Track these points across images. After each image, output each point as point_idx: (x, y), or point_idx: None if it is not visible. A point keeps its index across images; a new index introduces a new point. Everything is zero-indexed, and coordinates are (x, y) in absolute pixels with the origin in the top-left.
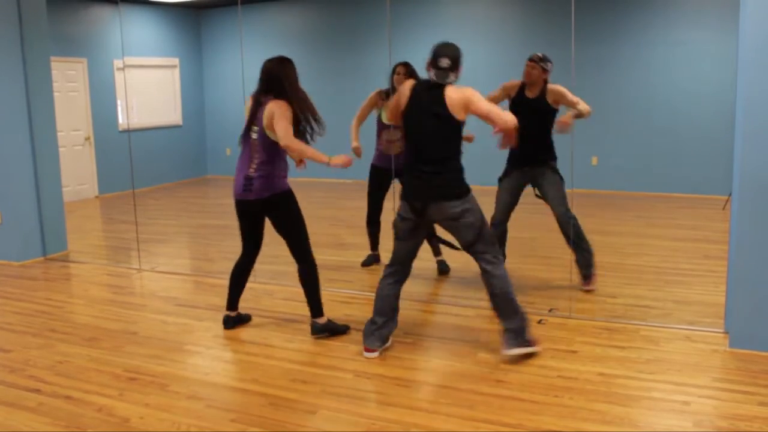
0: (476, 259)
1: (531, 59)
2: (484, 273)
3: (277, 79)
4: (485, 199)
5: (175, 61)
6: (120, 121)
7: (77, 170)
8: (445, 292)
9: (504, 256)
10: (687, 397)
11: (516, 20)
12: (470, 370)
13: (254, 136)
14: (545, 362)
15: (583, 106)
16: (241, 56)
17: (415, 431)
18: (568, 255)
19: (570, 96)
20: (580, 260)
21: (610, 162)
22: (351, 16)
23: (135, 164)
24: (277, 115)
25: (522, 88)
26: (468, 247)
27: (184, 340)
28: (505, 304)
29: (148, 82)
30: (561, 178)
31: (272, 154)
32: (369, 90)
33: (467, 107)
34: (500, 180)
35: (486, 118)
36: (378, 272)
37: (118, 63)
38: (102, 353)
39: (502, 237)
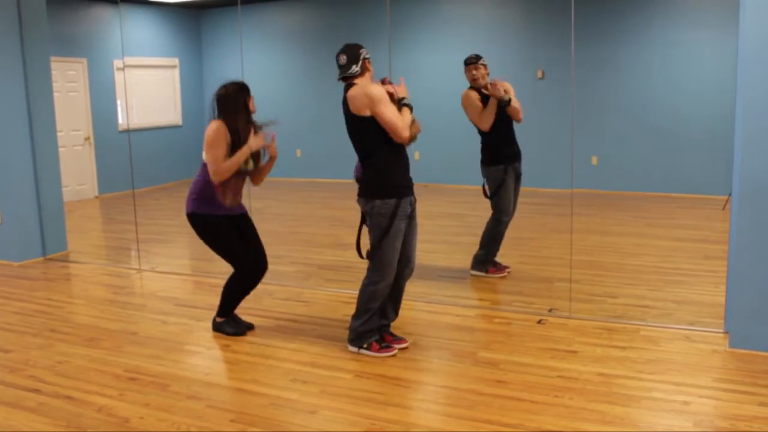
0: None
1: (468, 62)
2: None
3: (217, 104)
4: (481, 198)
5: (175, 61)
6: (120, 121)
7: (77, 170)
8: (445, 292)
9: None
10: (687, 397)
11: (516, 20)
12: (470, 370)
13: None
14: (545, 362)
15: (518, 107)
16: (241, 56)
17: (415, 431)
18: (568, 255)
19: (510, 93)
20: (479, 255)
21: (610, 162)
22: (351, 16)
23: (135, 164)
24: (205, 141)
25: (480, 93)
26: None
27: (184, 340)
28: (360, 302)
29: (148, 82)
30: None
31: (201, 174)
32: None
33: (365, 108)
34: (501, 178)
35: (389, 128)
36: None
37: (118, 63)
38: (102, 353)
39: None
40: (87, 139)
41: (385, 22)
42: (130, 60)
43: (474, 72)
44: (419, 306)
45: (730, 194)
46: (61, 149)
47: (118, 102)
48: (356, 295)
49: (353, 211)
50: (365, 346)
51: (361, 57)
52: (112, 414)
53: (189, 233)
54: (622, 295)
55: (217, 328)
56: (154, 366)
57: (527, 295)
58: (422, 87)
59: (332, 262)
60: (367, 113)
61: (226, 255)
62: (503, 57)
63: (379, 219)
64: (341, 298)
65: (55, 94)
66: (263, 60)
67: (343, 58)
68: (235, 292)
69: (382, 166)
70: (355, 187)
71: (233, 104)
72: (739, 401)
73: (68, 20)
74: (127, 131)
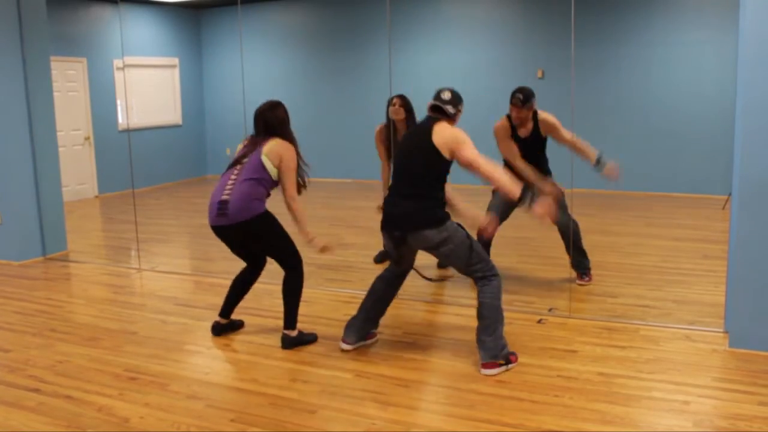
0: (474, 279)
1: (513, 103)
2: (478, 288)
3: (275, 123)
4: (480, 198)
5: (175, 60)
6: (120, 120)
7: (77, 170)
8: (445, 292)
9: None
10: (687, 397)
11: (516, 20)
12: (470, 370)
13: (244, 160)
14: (545, 362)
15: (582, 143)
16: (241, 56)
17: (415, 431)
18: (567, 255)
19: (563, 132)
20: (575, 263)
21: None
22: (351, 16)
23: (135, 164)
24: (287, 162)
25: (511, 125)
26: (462, 273)
27: (184, 339)
28: (488, 312)
29: (148, 82)
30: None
31: (257, 178)
32: (369, 90)
33: (449, 144)
34: (494, 192)
35: (470, 167)
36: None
37: (117, 63)
38: (102, 353)
39: (486, 246)
40: (87, 138)
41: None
42: (130, 60)
43: (514, 114)
44: (419, 306)
45: (730, 194)
46: (61, 149)
47: (118, 102)
48: (357, 295)
49: (353, 210)
50: (504, 362)
51: (460, 108)
52: (112, 414)
53: (189, 233)
54: (622, 294)
55: (295, 342)
56: (154, 366)
57: (527, 295)
58: (422, 87)
59: (332, 262)
60: (447, 155)
61: (290, 248)
62: (503, 57)
63: (456, 237)
64: (341, 298)
65: (55, 94)
66: (263, 60)
67: (447, 95)
68: (298, 292)
69: (439, 198)
70: (356, 187)
71: (289, 125)
72: (739, 401)
73: (68, 20)
74: (127, 131)
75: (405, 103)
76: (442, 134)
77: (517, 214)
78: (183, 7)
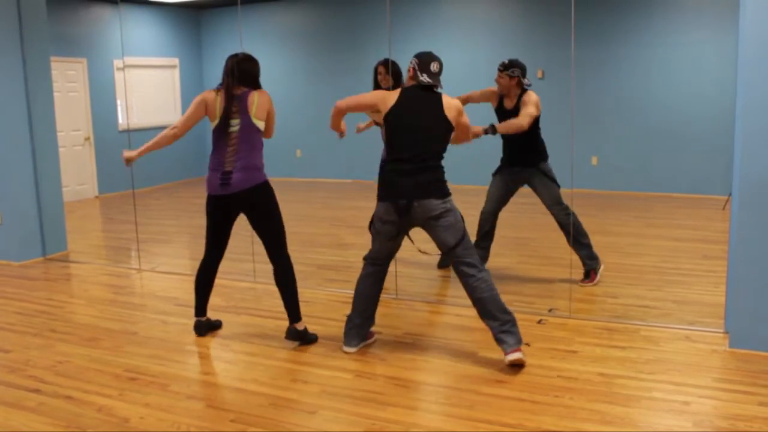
0: (457, 264)
1: (498, 68)
2: (467, 277)
3: (252, 74)
4: (479, 198)
5: (175, 61)
6: (120, 121)
7: (77, 170)
8: (445, 292)
9: (487, 255)
10: (687, 397)
11: (516, 20)
12: (470, 370)
13: (234, 128)
14: (545, 362)
15: (509, 125)
16: None
17: (415, 431)
18: (568, 255)
19: (526, 109)
20: (583, 254)
21: (610, 162)
22: (351, 16)
23: (135, 164)
24: (272, 111)
25: (501, 97)
26: (449, 251)
27: (184, 340)
28: (493, 306)
29: (148, 82)
30: (552, 179)
31: (255, 145)
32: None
33: (457, 117)
34: (493, 175)
35: (464, 130)
36: None
37: (118, 63)
38: (102, 353)
39: (489, 234)
40: (87, 139)
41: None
42: (130, 60)
43: (496, 79)
44: (419, 306)
45: (730, 194)
46: (61, 149)
47: (118, 102)
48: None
49: (353, 210)
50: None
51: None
52: (112, 414)
53: (189, 233)
54: (622, 295)
55: (300, 336)
56: (154, 366)
57: (527, 295)
58: None
59: (332, 262)
60: (452, 123)
61: (283, 227)
62: (503, 57)
63: (456, 215)
64: (341, 298)
65: (55, 94)
66: (263, 60)
67: (436, 66)
68: (294, 282)
69: (443, 168)
70: (356, 187)
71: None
72: (739, 401)
73: (68, 20)
74: (127, 131)
75: (390, 69)
76: (451, 106)
77: (518, 213)
78: (183, 8)
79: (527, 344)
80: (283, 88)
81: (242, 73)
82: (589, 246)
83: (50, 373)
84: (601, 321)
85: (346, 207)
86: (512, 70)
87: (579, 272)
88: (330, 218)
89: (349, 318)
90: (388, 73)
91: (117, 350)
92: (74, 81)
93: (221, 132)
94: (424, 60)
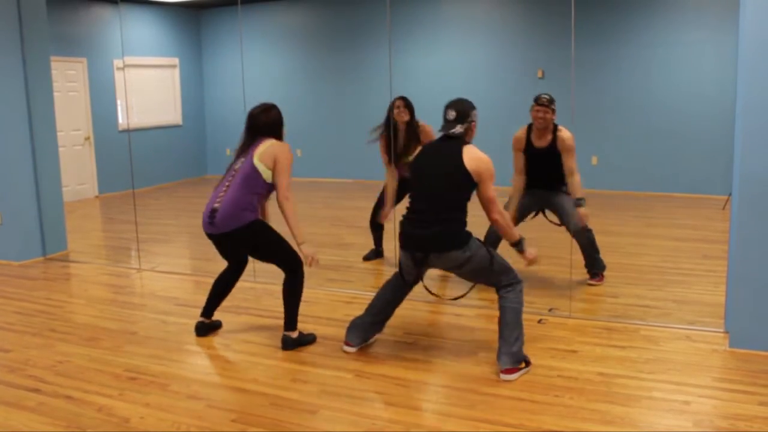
0: (498, 290)
1: (539, 103)
2: (504, 293)
3: (271, 125)
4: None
5: (175, 61)
6: (120, 120)
7: (77, 170)
8: (445, 292)
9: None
10: (687, 397)
11: (516, 20)
12: (470, 370)
13: (236, 167)
14: (545, 362)
15: (577, 178)
16: (241, 56)
17: (415, 431)
18: (568, 255)
19: (571, 158)
20: (593, 265)
21: (610, 162)
22: (351, 16)
23: (135, 164)
24: (282, 162)
25: (528, 136)
26: (487, 285)
27: (184, 340)
28: (510, 318)
29: (148, 82)
30: (576, 203)
31: (251, 188)
32: (369, 90)
33: (478, 169)
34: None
35: (487, 204)
36: (380, 270)
37: (118, 63)
38: (102, 353)
39: (497, 244)
40: (87, 138)
41: (385, 22)
42: (130, 60)
43: (538, 115)
44: (419, 306)
45: (730, 194)
46: (61, 149)
47: (118, 102)
48: (356, 295)
49: (353, 210)
50: (525, 364)
51: (470, 119)
52: (112, 414)
53: (189, 233)
54: (622, 294)
55: (296, 343)
56: (154, 366)
57: (527, 294)
58: (422, 87)
59: (332, 262)
60: (476, 179)
61: (286, 253)
62: (503, 57)
63: (478, 254)
64: (341, 298)
65: (55, 94)
66: (263, 60)
67: (452, 114)
68: (299, 293)
69: (465, 220)
70: (356, 187)
71: (282, 128)
72: (739, 401)
73: (68, 20)
74: (127, 131)
75: (407, 104)
76: (475, 158)
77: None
78: (183, 7)
79: (528, 363)
80: (283, 88)
81: (256, 127)
82: (599, 258)
83: (50, 372)
84: (601, 321)
85: (346, 207)
86: (552, 103)
87: (579, 272)
88: (330, 218)
89: (359, 317)
90: (406, 107)
91: (117, 350)
92: (74, 81)
93: (227, 170)
94: (445, 108)
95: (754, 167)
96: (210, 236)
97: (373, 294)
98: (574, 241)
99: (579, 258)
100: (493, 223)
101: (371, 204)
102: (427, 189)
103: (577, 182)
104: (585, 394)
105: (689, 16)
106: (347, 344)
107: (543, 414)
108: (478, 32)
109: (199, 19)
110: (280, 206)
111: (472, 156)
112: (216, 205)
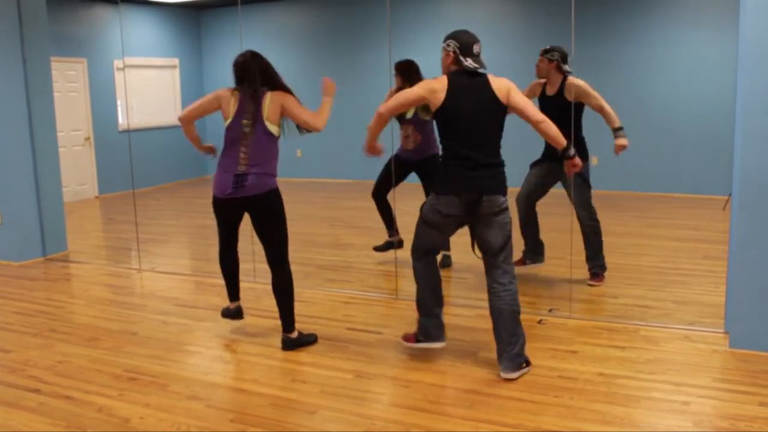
0: (492, 268)
1: (540, 53)
2: (497, 284)
3: (269, 73)
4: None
5: (175, 61)
6: (120, 121)
7: (77, 170)
8: (445, 292)
9: (543, 250)
10: (687, 397)
11: (516, 20)
12: (470, 370)
13: (246, 130)
14: (545, 362)
15: (608, 109)
16: None
17: (415, 431)
18: (568, 255)
19: (593, 95)
20: (593, 262)
21: (610, 162)
22: (351, 16)
23: (135, 164)
24: (290, 108)
25: (544, 85)
26: (493, 254)
27: (184, 340)
28: (509, 321)
29: (148, 82)
30: (585, 181)
31: (268, 151)
32: (369, 90)
33: (507, 96)
34: (531, 166)
35: (522, 111)
36: (379, 270)
37: (118, 63)
38: (102, 353)
39: (528, 225)
40: (87, 139)
41: (385, 22)
42: (130, 60)
43: (536, 64)
44: None
45: (730, 194)
46: (61, 149)
47: (118, 102)
48: (356, 295)
49: (353, 210)
50: (525, 363)
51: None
52: (112, 414)
53: (189, 233)
54: (622, 295)
55: (296, 343)
56: (154, 366)
57: (527, 295)
58: None
59: (332, 262)
60: (505, 103)
61: (286, 237)
62: (503, 57)
63: (509, 212)
64: (341, 298)
65: (55, 94)
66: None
67: (479, 47)
68: (291, 291)
69: (504, 162)
70: (356, 187)
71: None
72: (739, 401)
73: (68, 20)
74: (127, 131)
75: (399, 71)
76: (501, 87)
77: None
78: (183, 8)
79: (528, 364)
80: None
81: (249, 72)
82: (601, 255)
83: (50, 373)
84: (601, 321)
85: (346, 207)
86: (551, 53)
87: (579, 272)
88: (330, 218)
89: (434, 314)
90: (400, 75)
91: (117, 350)
92: (74, 81)
93: (234, 133)
94: (465, 41)
95: (754, 167)
96: (227, 201)
97: (373, 294)
98: (574, 241)
99: (579, 258)
100: (541, 123)
101: (371, 204)
102: (472, 130)
103: (609, 113)
104: (585, 395)
105: (689, 16)
106: (437, 341)
107: (543, 414)
108: (478, 32)
109: (199, 20)
110: (321, 126)
111: (498, 86)
112: (241, 169)
